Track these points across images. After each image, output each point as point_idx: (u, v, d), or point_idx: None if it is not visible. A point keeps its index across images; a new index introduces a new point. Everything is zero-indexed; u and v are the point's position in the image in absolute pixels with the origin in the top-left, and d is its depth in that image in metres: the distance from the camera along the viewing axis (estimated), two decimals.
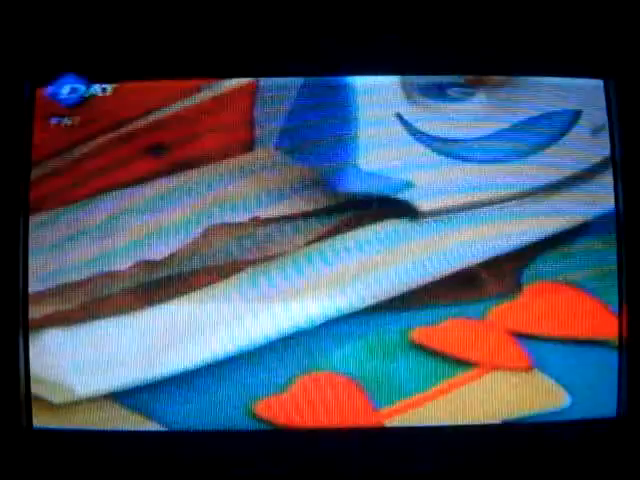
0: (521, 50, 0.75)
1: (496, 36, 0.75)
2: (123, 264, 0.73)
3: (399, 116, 0.75)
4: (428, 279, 0.73)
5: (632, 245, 0.74)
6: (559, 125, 0.76)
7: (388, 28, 0.75)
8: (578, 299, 0.74)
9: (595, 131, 0.76)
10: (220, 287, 0.73)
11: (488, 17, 0.75)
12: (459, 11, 0.75)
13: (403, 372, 0.73)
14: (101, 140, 0.74)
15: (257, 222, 0.74)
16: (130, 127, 0.75)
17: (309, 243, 0.74)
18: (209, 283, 0.73)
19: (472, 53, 0.75)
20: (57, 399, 0.73)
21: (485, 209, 0.74)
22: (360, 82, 0.75)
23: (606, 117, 0.76)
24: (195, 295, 0.73)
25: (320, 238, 0.74)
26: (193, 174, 0.74)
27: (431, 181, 0.75)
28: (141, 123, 0.75)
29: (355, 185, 0.74)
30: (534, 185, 0.75)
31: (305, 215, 0.74)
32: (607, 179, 0.75)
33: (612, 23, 0.75)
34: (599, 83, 0.76)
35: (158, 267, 0.73)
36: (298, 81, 0.75)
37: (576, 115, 0.76)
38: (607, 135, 0.76)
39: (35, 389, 0.73)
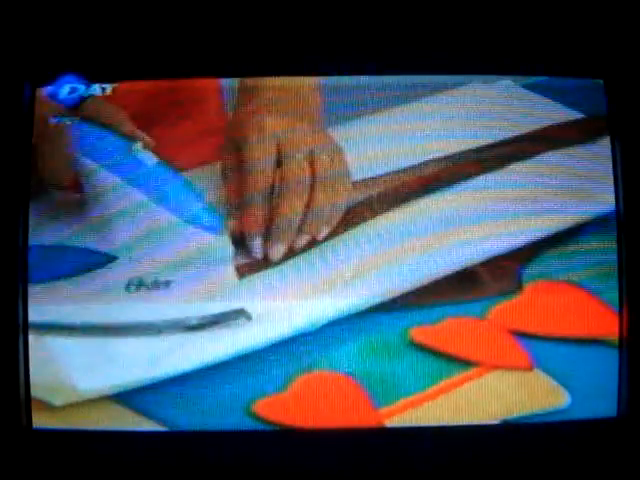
0: (518, 50, 0.76)
1: (492, 36, 0.76)
2: (117, 263, 0.73)
3: (397, 115, 0.75)
4: (428, 278, 0.73)
5: (632, 244, 0.74)
6: (558, 124, 0.77)
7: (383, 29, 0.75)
8: (579, 298, 0.74)
9: (595, 130, 0.76)
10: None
11: (485, 17, 0.75)
12: (456, 11, 0.75)
13: (403, 371, 0.72)
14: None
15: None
16: (129, 126, 0.75)
17: (309, 243, 0.74)
18: (209, 284, 0.73)
19: (468, 53, 0.75)
20: (57, 400, 0.72)
21: (485, 208, 0.74)
22: (352, 82, 0.76)
23: (606, 117, 0.76)
24: None
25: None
26: (188, 175, 0.75)
27: (429, 181, 0.75)
28: (140, 122, 0.75)
29: (355, 185, 0.75)
30: (534, 184, 0.75)
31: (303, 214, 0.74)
32: (607, 178, 0.75)
33: (608, 24, 0.75)
34: (599, 83, 0.76)
35: (159, 268, 0.73)
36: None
37: (575, 114, 0.77)
38: (607, 134, 0.76)
39: (35, 390, 0.72)
